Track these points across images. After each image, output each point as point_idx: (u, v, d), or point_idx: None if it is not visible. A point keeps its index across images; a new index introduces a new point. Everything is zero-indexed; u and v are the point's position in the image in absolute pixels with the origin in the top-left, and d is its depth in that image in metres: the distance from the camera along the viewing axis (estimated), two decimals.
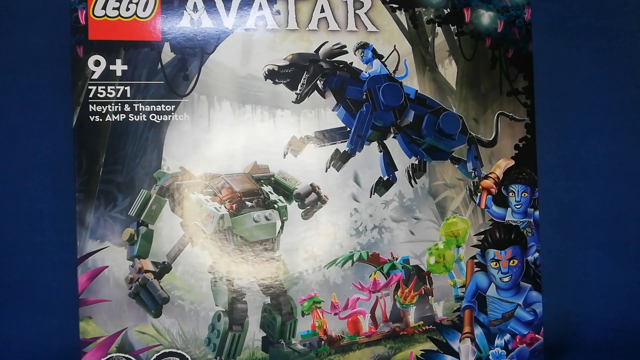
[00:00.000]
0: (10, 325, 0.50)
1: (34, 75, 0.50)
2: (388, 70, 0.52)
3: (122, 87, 0.48)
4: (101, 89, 0.48)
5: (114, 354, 0.47)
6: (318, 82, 0.51)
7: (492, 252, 0.53)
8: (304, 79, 0.50)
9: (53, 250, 0.50)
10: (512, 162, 0.54)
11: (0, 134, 0.50)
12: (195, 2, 0.49)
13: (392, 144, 0.52)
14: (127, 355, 0.48)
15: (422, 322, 0.52)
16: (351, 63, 0.51)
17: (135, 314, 0.48)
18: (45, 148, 0.50)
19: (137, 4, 0.48)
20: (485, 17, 0.54)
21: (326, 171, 0.51)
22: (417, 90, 0.53)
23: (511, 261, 0.53)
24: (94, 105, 0.47)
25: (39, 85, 0.51)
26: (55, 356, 0.50)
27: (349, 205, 0.51)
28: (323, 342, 0.50)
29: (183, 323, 0.48)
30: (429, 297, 0.53)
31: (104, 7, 0.48)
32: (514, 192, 0.54)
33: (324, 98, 0.51)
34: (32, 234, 0.50)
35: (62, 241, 0.49)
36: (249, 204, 0.49)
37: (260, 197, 0.49)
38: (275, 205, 0.50)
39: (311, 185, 0.50)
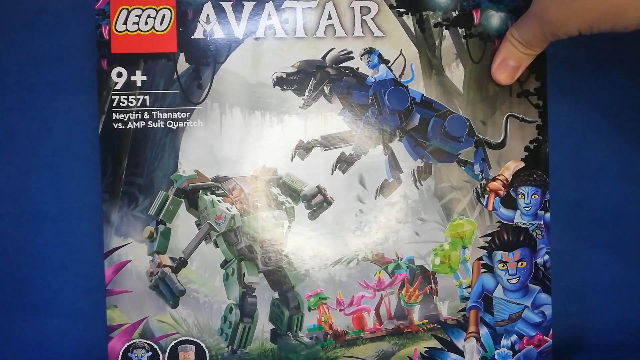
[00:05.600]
0: (45, 312, 0.52)
1: (64, 88, 0.51)
2: (394, 74, 0.48)
3: (141, 97, 0.47)
4: (123, 99, 0.47)
5: (137, 340, 0.48)
6: (324, 87, 0.48)
7: (499, 254, 0.49)
8: (311, 84, 0.48)
9: (83, 245, 0.51)
10: (522, 164, 0.48)
11: (36, 143, 0.51)
12: (208, 14, 0.47)
13: (398, 146, 0.49)
14: (148, 341, 0.48)
15: (426, 320, 0.49)
16: (357, 68, 0.48)
17: (155, 304, 0.46)
18: (74, 154, 0.51)
19: (154, 18, 0.47)
20: (496, 18, 0.48)
21: (332, 173, 0.48)
22: (423, 94, 0.48)
23: (519, 263, 0.49)
24: (117, 113, 0.47)
25: (69, 96, 0.51)
26: (85, 340, 0.52)
27: (355, 207, 0.49)
28: (329, 336, 0.47)
29: (198, 314, 0.46)
30: (434, 296, 0.49)
31: (125, 23, 0.47)
32: (524, 194, 0.49)
33: (330, 103, 0.48)
34: (65, 230, 0.51)
35: (91, 237, 0.50)
36: (258, 204, 0.48)
37: (269, 198, 0.48)
38: (283, 206, 0.47)
39: (317, 187, 0.48)
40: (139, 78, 0.46)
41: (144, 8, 0.46)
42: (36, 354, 0.51)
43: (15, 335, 0.51)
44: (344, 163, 0.47)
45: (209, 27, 0.46)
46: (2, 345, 0.50)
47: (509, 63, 0.44)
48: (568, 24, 0.40)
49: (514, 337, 0.48)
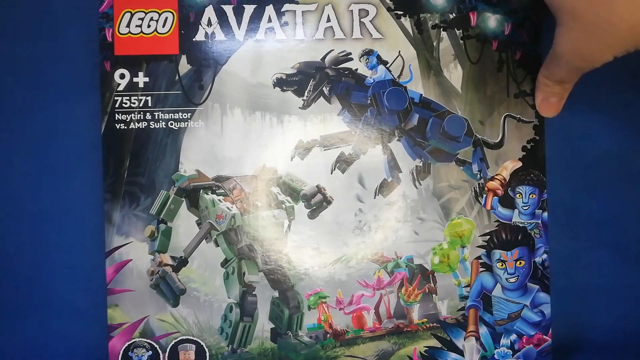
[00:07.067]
0: (46, 311, 0.51)
1: (66, 89, 0.51)
2: (393, 75, 0.48)
3: (144, 98, 0.47)
4: (125, 100, 0.47)
5: (137, 339, 0.48)
6: (324, 88, 0.48)
7: (497, 253, 0.48)
8: (311, 85, 0.48)
9: (84, 244, 0.51)
10: (519, 164, 0.48)
11: (38, 144, 0.51)
12: (209, 17, 0.48)
13: (397, 146, 0.49)
14: (148, 341, 0.48)
15: (425, 319, 0.49)
16: (356, 69, 0.48)
17: (155, 303, 0.46)
18: (76, 154, 0.51)
19: (157, 21, 0.47)
20: (492, 20, 0.49)
21: (331, 173, 0.48)
22: (422, 94, 0.48)
23: (518, 262, 0.48)
24: (120, 114, 0.47)
25: (71, 97, 0.51)
26: (85, 340, 0.51)
27: (354, 206, 0.48)
28: (328, 335, 0.47)
29: (198, 313, 0.46)
30: (433, 295, 0.49)
31: (128, 25, 0.47)
32: (521, 194, 0.49)
33: (330, 103, 0.48)
34: (66, 230, 0.51)
35: (92, 236, 0.50)
36: (258, 204, 0.48)
37: (269, 198, 0.48)
38: (283, 206, 0.47)
39: (317, 186, 0.48)
40: (141, 79, 0.46)
41: (146, 11, 0.46)
42: (36, 353, 0.50)
43: (15, 335, 0.50)
44: (343, 163, 0.47)
45: (211, 30, 0.47)
46: (2, 345, 0.50)
47: (551, 100, 0.44)
48: (603, 55, 0.38)
49: (514, 337, 0.47)
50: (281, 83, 0.46)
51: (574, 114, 0.50)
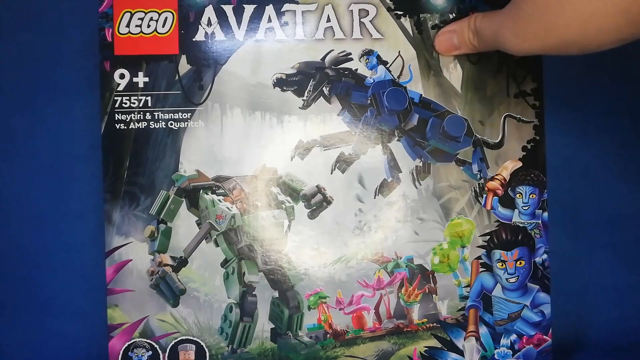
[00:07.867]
0: (46, 311, 0.51)
1: (66, 89, 0.51)
2: (392, 75, 0.48)
3: (143, 98, 0.47)
4: (125, 100, 0.47)
5: (137, 339, 0.47)
6: (324, 88, 0.48)
7: (498, 253, 0.48)
8: (311, 85, 0.48)
9: (84, 244, 0.50)
10: (520, 164, 0.48)
11: (38, 144, 0.51)
12: (209, 17, 0.48)
13: (397, 146, 0.49)
14: (148, 341, 0.47)
15: (426, 319, 0.48)
16: (356, 70, 0.48)
17: (155, 303, 0.45)
18: (76, 154, 0.51)
19: (157, 21, 0.47)
20: None
21: (331, 173, 0.48)
22: (421, 95, 0.48)
23: (518, 262, 0.48)
24: (120, 114, 0.47)
25: (70, 97, 0.51)
26: (85, 339, 0.51)
27: (354, 206, 0.48)
28: (328, 335, 0.47)
29: (198, 313, 0.46)
30: (433, 295, 0.49)
31: (128, 25, 0.47)
32: (522, 194, 0.49)
33: (330, 104, 0.48)
34: (66, 230, 0.51)
35: (92, 237, 0.49)
36: (258, 204, 0.48)
37: (269, 198, 0.48)
38: (283, 206, 0.47)
39: (317, 186, 0.48)
40: (141, 79, 0.46)
41: (146, 11, 0.46)
42: (36, 353, 0.50)
43: (15, 334, 0.50)
44: (343, 163, 0.47)
45: (210, 30, 0.47)
46: (2, 345, 0.50)
47: (454, 40, 0.44)
48: (534, 40, 0.37)
49: (514, 337, 0.47)
50: (281, 83, 0.46)
51: (574, 114, 0.50)
